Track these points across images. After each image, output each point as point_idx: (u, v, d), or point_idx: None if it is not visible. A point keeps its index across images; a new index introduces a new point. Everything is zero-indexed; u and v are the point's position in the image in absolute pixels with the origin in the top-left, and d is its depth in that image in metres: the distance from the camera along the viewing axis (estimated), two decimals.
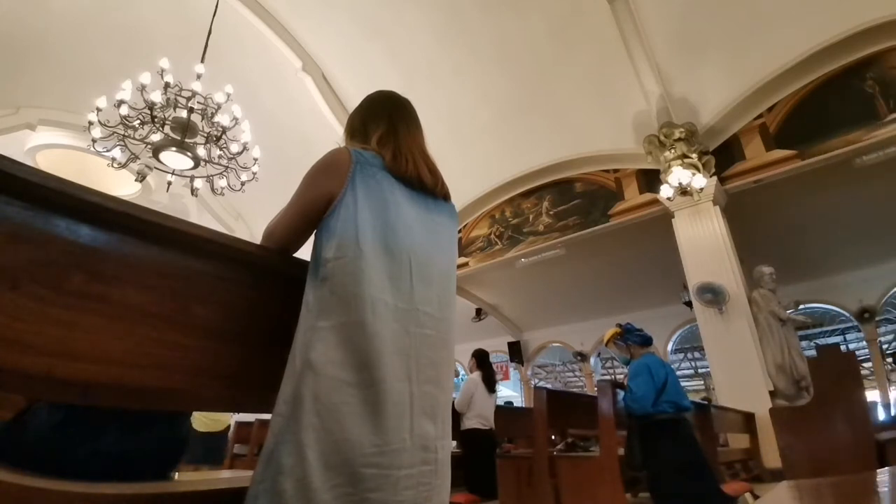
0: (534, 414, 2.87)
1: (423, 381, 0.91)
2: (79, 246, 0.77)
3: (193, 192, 5.17)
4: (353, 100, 6.71)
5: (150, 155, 4.65)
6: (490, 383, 3.53)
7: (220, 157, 4.91)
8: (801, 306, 5.87)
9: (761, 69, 5.56)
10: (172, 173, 5.03)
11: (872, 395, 8.06)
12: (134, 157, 4.77)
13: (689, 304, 6.42)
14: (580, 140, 6.87)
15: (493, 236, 8.05)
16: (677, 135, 5.82)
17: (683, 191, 5.59)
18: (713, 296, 5.38)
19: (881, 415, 7.05)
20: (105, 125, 4.49)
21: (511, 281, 9.22)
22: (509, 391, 13.91)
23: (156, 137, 4.51)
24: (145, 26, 6.42)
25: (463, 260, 8.17)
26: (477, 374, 3.55)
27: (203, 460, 3.04)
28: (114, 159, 4.72)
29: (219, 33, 5.37)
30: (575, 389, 12.86)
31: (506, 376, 12.87)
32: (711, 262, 5.61)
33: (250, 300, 0.99)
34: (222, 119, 4.66)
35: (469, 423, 3.31)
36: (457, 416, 3.36)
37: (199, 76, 4.59)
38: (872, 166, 5.40)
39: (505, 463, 3.12)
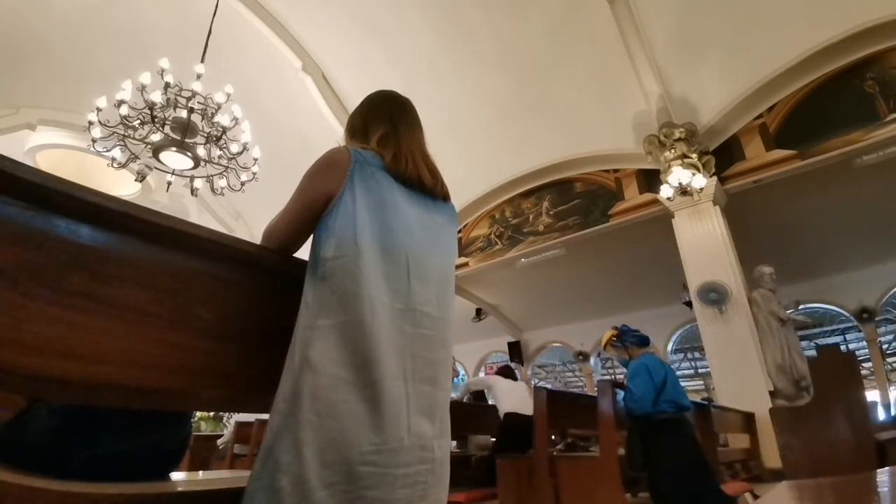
0: (534, 414, 2.86)
1: (419, 380, 0.92)
2: (79, 246, 0.77)
3: (193, 192, 5.17)
4: (353, 100, 6.71)
5: (150, 155, 4.65)
6: (508, 374, 3.80)
7: (220, 157, 4.91)
8: (801, 306, 5.87)
9: (761, 69, 5.56)
10: (172, 173, 5.03)
11: (872, 395, 8.05)
12: (134, 157, 4.78)
13: (689, 304, 6.42)
14: (580, 140, 6.86)
15: (493, 236, 8.05)
16: (677, 135, 5.81)
17: (683, 191, 5.59)
18: (718, 295, 5.38)
19: (881, 415, 7.05)
20: (105, 125, 4.49)
21: (511, 281, 9.22)
22: None
23: (156, 137, 4.51)
24: (145, 26, 6.42)
25: (463, 260, 8.16)
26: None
27: None
28: (114, 159, 4.72)
29: (219, 33, 5.37)
30: (575, 389, 12.85)
31: None
32: (711, 262, 5.60)
33: (250, 300, 0.99)
34: (222, 119, 4.66)
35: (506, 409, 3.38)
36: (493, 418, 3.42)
37: (199, 76, 4.59)
38: (872, 166, 5.39)
39: (505, 463, 3.12)
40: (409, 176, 1.05)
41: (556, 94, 6.50)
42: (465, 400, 4.01)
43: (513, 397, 3.45)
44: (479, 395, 4.31)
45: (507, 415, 3.26)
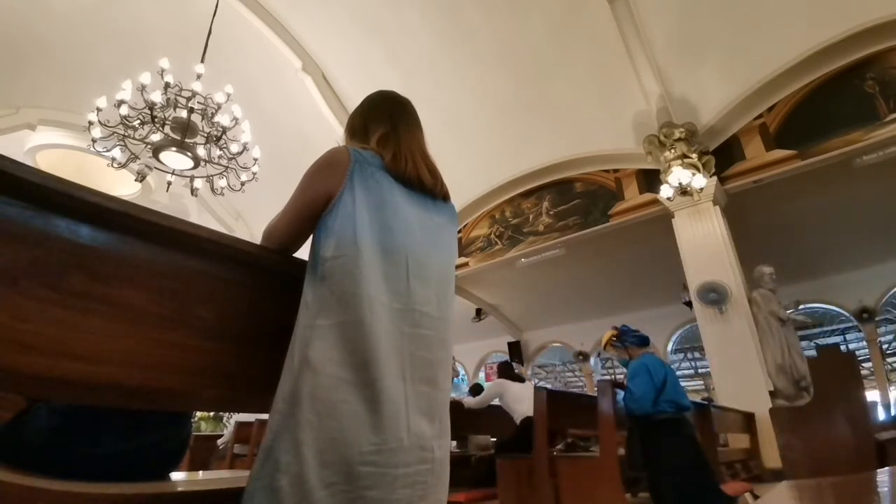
0: (534, 414, 2.86)
1: (417, 380, 0.92)
2: (79, 246, 0.77)
3: (193, 192, 5.17)
4: (353, 100, 6.71)
5: (150, 155, 4.65)
6: (514, 375, 3.72)
7: (220, 157, 4.91)
8: (801, 306, 5.87)
9: (761, 69, 5.56)
10: (172, 173, 5.03)
11: (872, 395, 8.06)
12: (134, 157, 4.78)
13: (689, 304, 6.42)
14: (580, 140, 6.86)
15: (493, 236, 8.05)
16: (677, 135, 5.81)
17: (683, 191, 5.59)
18: (717, 295, 5.38)
19: (881, 415, 7.05)
20: (105, 125, 4.50)
21: (511, 281, 9.22)
22: None
23: (156, 137, 4.51)
24: (145, 26, 6.43)
25: (463, 260, 8.16)
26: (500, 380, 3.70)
27: None
28: (114, 159, 4.72)
29: (219, 33, 5.37)
30: (575, 389, 12.85)
31: None
32: (711, 262, 5.60)
33: (250, 300, 0.99)
34: (222, 119, 4.66)
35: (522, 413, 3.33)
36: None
37: (199, 76, 4.59)
38: (872, 166, 5.39)
39: (505, 463, 3.12)
40: (409, 176, 1.05)
41: (556, 94, 6.50)
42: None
43: (527, 399, 3.39)
44: None
45: (528, 418, 3.25)
